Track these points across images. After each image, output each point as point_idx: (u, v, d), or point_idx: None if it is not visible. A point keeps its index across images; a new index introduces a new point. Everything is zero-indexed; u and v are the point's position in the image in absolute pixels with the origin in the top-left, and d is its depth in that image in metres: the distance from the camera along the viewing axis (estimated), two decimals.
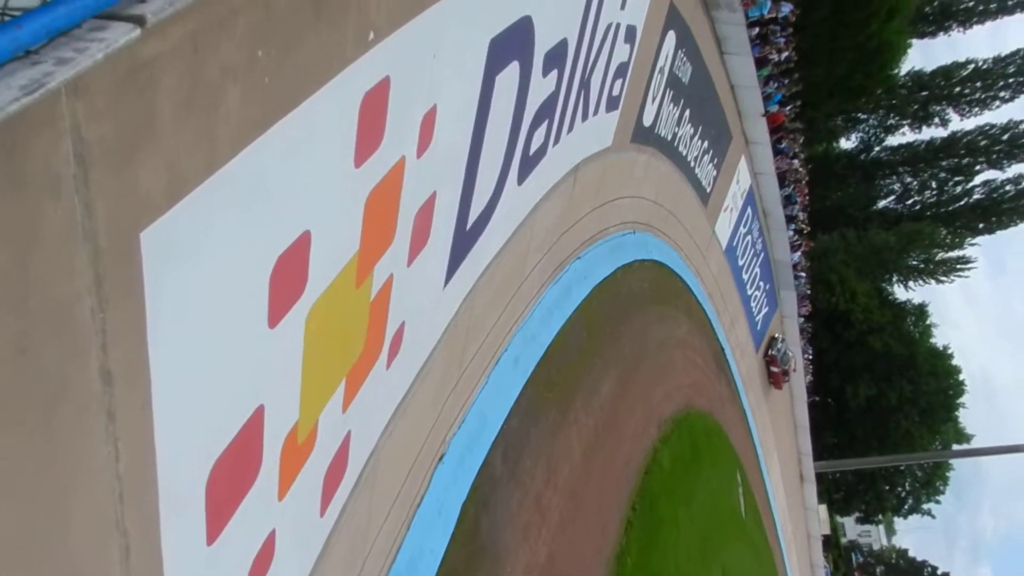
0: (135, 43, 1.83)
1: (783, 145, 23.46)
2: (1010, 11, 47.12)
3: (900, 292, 54.20)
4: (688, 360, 18.44)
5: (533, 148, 7.06)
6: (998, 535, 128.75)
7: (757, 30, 18.04)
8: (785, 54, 20.50)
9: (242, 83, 2.38)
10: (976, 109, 49.34)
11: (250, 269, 2.82)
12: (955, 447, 51.36)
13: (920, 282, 53.46)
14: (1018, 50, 47.61)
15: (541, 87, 6.50)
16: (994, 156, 49.33)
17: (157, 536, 2.74)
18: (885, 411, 48.09)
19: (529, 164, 7.16)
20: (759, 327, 29.31)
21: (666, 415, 15.45)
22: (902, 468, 55.17)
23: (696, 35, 13.57)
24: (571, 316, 10.86)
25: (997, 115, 50.91)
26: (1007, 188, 50.10)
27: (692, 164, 16.82)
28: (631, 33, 9.44)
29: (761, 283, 28.25)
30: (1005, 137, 48.65)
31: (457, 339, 6.87)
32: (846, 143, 55.17)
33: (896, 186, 53.80)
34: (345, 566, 5.38)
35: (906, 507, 59.09)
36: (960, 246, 52.21)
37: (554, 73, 6.75)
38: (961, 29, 48.37)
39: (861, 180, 53.11)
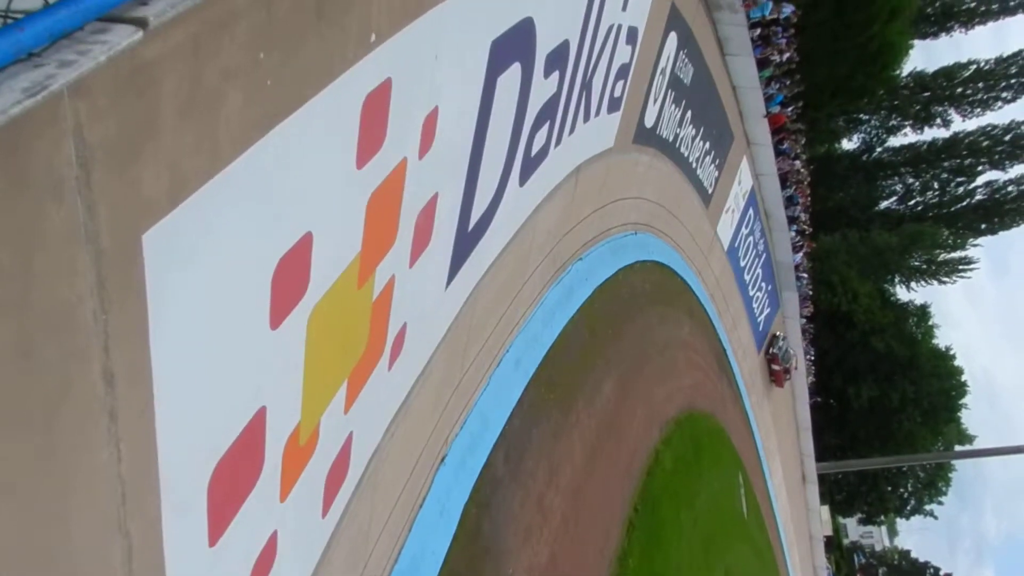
0: (137, 45, 1.83)
1: (785, 146, 23.44)
2: (1012, 11, 47.11)
3: (902, 293, 54.28)
4: (690, 361, 18.43)
5: (535, 149, 7.06)
6: (1001, 536, 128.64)
7: (759, 31, 18.04)
8: (787, 55, 20.51)
9: (244, 85, 2.38)
10: (978, 110, 49.33)
11: (252, 270, 2.82)
12: (957, 448, 51.30)
13: (922, 283, 53.44)
14: (1020, 50, 47.63)
15: (543, 88, 6.50)
16: (996, 157, 49.29)
17: (159, 537, 2.74)
18: (887, 412, 48.03)
19: (531, 165, 7.16)
20: (761, 328, 29.29)
21: (668, 416, 15.44)
22: (904, 469, 55.11)
23: (698, 36, 13.57)
24: (573, 317, 10.87)
25: (999, 116, 51.00)
26: (1009, 189, 50.07)
27: (694, 165, 16.82)
28: (633, 34, 9.44)
29: (763, 284, 28.23)
30: (1007, 138, 48.62)
31: (459, 340, 6.87)
32: (848, 144, 55.21)
33: (898, 187, 53.78)
34: (347, 567, 5.38)
35: (908, 508, 59.03)
36: (962, 247, 52.19)
37: (556, 74, 6.75)
38: (963, 30, 48.37)
39: (863, 181, 53.08)
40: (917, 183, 52.87)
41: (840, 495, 57.56)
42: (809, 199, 29.03)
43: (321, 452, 4.15)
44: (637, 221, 14.24)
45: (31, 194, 1.75)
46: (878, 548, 70.01)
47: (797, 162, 25.37)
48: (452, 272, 5.83)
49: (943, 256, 51.93)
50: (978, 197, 51.20)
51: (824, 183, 46.02)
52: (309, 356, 3.50)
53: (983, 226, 51.47)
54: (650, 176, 13.98)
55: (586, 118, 8.75)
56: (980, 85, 48.58)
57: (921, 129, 51.38)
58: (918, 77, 49.07)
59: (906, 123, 51.42)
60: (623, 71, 9.69)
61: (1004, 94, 48.55)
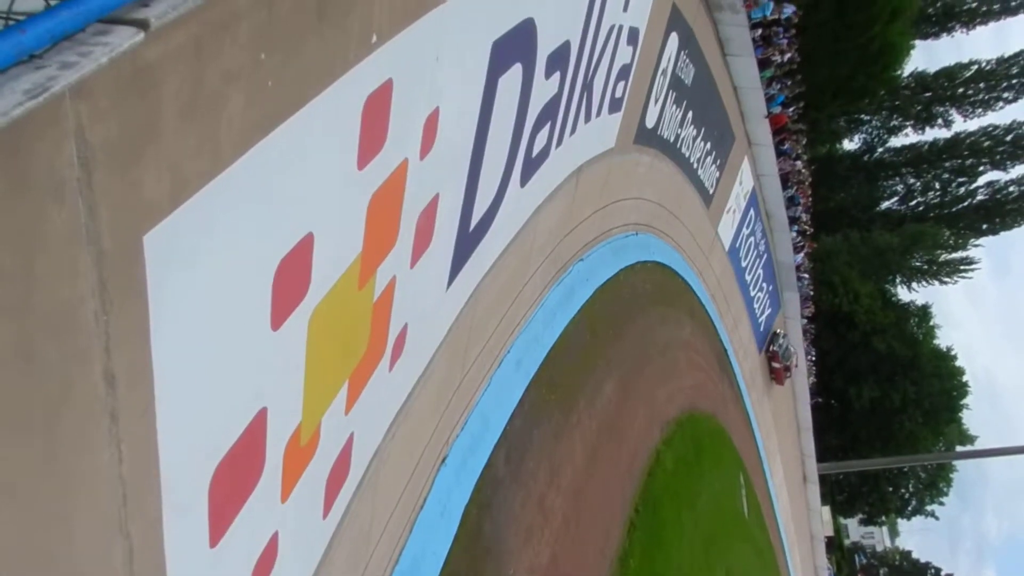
0: (138, 47, 1.83)
1: (786, 146, 23.43)
2: (1013, 12, 47.08)
3: (903, 293, 54.24)
4: (691, 361, 18.43)
5: (536, 150, 7.06)
6: (1002, 536, 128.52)
7: (760, 32, 18.02)
8: (788, 55, 20.50)
9: (245, 86, 2.39)
10: (979, 110, 49.30)
11: (253, 271, 2.82)
12: (959, 448, 51.26)
13: (923, 283, 53.41)
14: (1021, 51, 47.63)
15: (544, 89, 6.50)
16: (997, 157, 49.26)
17: (160, 538, 2.74)
18: (888, 412, 48.01)
19: (532, 166, 7.16)
20: (762, 328, 29.28)
21: (669, 417, 15.43)
22: (905, 469, 55.08)
23: (699, 37, 13.57)
24: (574, 317, 10.86)
25: (1000, 116, 51.03)
26: (1011, 189, 50.04)
27: (695, 166, 16.82)
28: (634, 35, 9.44)
29: (764, 284, 28.22)
30: (1008, 138, 48.59)
31: (460, 341, 6.88)
32: (849, 144, 55.20)
33: (899, 187, 53.75)
34: (348, 568, 5.37)
35: (909, 508, 58.99)
36: (963, 247, 52.16)
37: (557, 75, 6.75)
38: (964, 30, 48.34)
39: (864, 181, 53.06)
40: (918, 183, 52.85)
41: (841, 495, 57.55)
42: (810, 199, 29.02)
43: (322, 453, 4.15)
44: (638, 221, 14.24)
45: (32, 195, 1.76)
46: (879, 549, 69.97)
47: (798, 162, 25.36)
48: (453, 273, 5.83)
49: (944, 256, 51.90)
50: (979, 197, 51.18)
51: (825, 183, 46.01)
52: (310, 357, 3.50)
53: (984, 226, 51.44)
54: (651, 177, 13.98)
55: (587, 119, 8.75)
56: (981, 85, 48.55)
57: (922, 129, 51.37)
58: (919, 77, 49.05)
59: (907, 123, 51.41)
60: (624, 72, 9.69)
61: (1005, 94, 48.52)
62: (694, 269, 19.07)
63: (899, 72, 44.74)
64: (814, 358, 37.58)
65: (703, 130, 16.14)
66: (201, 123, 2.25)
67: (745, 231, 24.06)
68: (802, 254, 29.64)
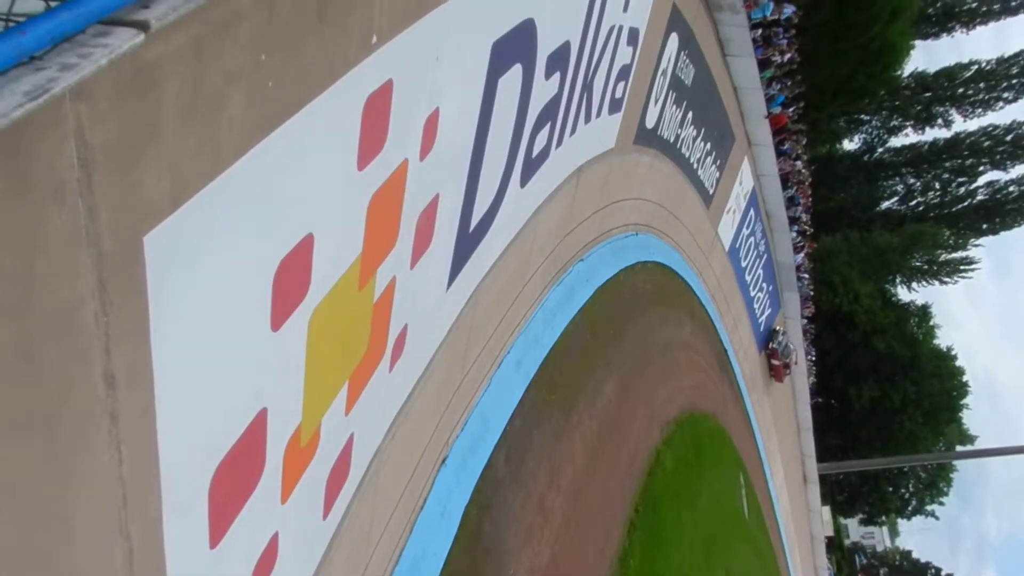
0: (138, 48, 1.83)
1: (786, 147, 23.43)
2: (1013, 12, 47.09)
3: (903, 293, 54.25)
4: (691, 362, 18.43)
5: (536, 150, 7.06)
6: (1002, 536, 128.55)
7: (760, 32, 18.02)
8: (788, 56, 20.50)
9: (245, 87, 2.39)
10: (979, 110, 49.32)
11: (253, 272, 2.82)
12: (959, 448, 51.27)
13: (923, 283, 53.42)
14: (1021, 51, 47.67)
15: (544, 89, 6.51)
16: (997, 157, 49.28)
17: (160, 539, 2.74)
18: (888, 412, 48.01)
19: (532, 166, 7.16)
20: (762, 328, 29.28)
21: (669, 417, 15.43)
22: (905, 469, 55.09)
23: (699, 37, 13.57)
24: (574, 318, 10.86)
25: (1000, 116, 51.02)
26: (1011, 189, 50.06)
27: (695, 166, 16.82)
28: (634, 35, 9.44)
29: (764, 284, 28.21)
30: (1008, 138, 48.60)
31: (460, 341, 6.88)
32: (849, 144, 55.21)
33: (899, 187, 53.77)
34: (348, 569, 5.37)
35: (910, 508, 59.01)
36: (963, 247, 52.17)
37: (557, 75, 6.75)
38: (964, 30, 48.35)
39: (864, 181, 53.07)
40: (918, 183, 52.86)
41: (841, 496, 57.56)
42: (810, 200, 29.02)
43: (322, 454, 4.15)
44: (638, 222, 14.24)
45: (33, 197, 1.76)
46: (879, 549, 70.00)
47: (798, 163, 25.36)
48: (453, 273, 5.83)
49: (944, 256, 51.91)
50: (979, 197, 51.20)
51: (825, 184, 46.01)
52: (310, 358, 3.50)
53: (984, 226, 51.46)
54: (651, 177, 13.98)
55: (587, 119, 8.75)
56: (981, 85, 48.57)
57: (922, 129, 51.38)
58: (919, 77, 49.06)
59: (907, 123, 51.42)
60: (624, 72, 9.69)
61: (1005, 94, 48.54)
62: (694, 269, 19.08)
63: (899, 72, 44.75)
64: (814, 358, 37.57)
65: (703, 130, 16.14)
66: (201, 124, 2.25)
67: (745, 231, 24.06)
68: (802, 254, 29.65)
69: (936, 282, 52.99)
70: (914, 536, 72.11)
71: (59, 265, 1.90)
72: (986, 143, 49.21)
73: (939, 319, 52.74)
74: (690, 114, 14.59)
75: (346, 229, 3.56)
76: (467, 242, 5.89)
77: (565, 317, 10.60)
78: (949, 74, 48.95)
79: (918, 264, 51.95)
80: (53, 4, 1.67)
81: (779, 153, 22.78)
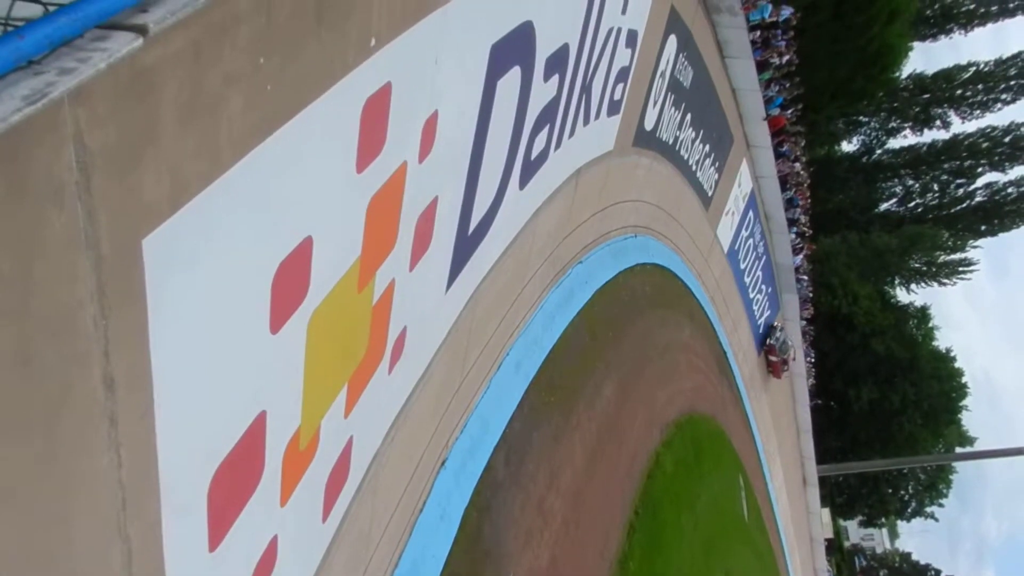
0: (137, 52, 1.83)
1: (784, 148, 23.43)
2: (1011, 13, 47.17)
3: (902, 295, 54.26)
4: (690, 364, 18.43)
5: (535, 153, 7.07)
6: (1001, 537, 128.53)
7: (758, 34, 18.04)
8: (786, 57, 20.50)
9: (244, 90, 2.39)
10: (977, 111, 49.37)
11: (252, 275, 2.82)
12: (958, 450, 51.28)
13: (922, 285, 53.44)
14: (1019, 52, 47.71)
15: (542, 92, 6.51)
16: (996, 158, 49.33)
17: (159, 542, 2.74)
18: (888, 414, 48.01)
19: (531, 169, 7.16)
20: (761, 330, 29.28)
21: (668, 419, 15.43)
22: (905, 471, 55.10)
23: (697, 39, 13.58)
24: (573, 320, 10.86)
25: (999, 117, 50.84)
26: (1009, 190, 50.10)
27: (694, 168, 16.83)
28: (632, 37, 9.45)
29: (763, 286, 28.22)
30: (1007, 139, 48.66)
31: (459, 344, 6.87)
32: (848, 146, 55.25)
33: (898, 189, 53.80)
34: (347, 571, 5.37)
35: (909, 510, 59.01)
36: (962, 248, 52.20)
37: (555, 78, 6.76)
38: (962, 32, 48.45)
39: (863, 183, 53.09)
40: (917, 185, 52.90)
41: (841, 497, 57.53)
42: (809, 201, 29.01)
43: (321, 456, 4.15)
44: (637, 224, 14.25)
45: (31, 200, 1.76)
46: (879, 551, 69.95)
47: (797, 164, 25.36)
48: (452, 276, 5.83)
49: (943, 258, 51.94)
50: (978, 199, 51.24)
51: (824, 185, 46.04)
52: (309, 360, 3.50)
53: (983, 228, 51.50)
54: (650, 179, 13.99)
55: (586, 121, 8.76)
56: (979, 87, 48.64)
57: (921, 131, 51.44)
58: (917, 79, 49.12)
59: (906, 125, 51.48)
60: (623, 74, 9.70)
61: (1003, 96, 48.60)
62: (693, 271, 19.08)
63: (897, 74, 44.80)
64: (813, 360, 37.56)
65: (702, 132, 16.15)
66: (200, 127, 2.25)
67: (744, 233, 24.07)
68: (801, 256, 29.63)
69: (935, 284, 53.03)
70: (914, 538, 72.23)
71: (58, 268, 1.90)
72: (984, 144, 49.27)
73: (938, 320, 52.85)
74: (689, 116, 14.61)
75: (345, 231, 3.57)
76: (466, 244, 5.90)
77: (564, 319, 10.60)
78: (947, 76, 49.02)
79: (917, 266, 51.97)
80: (52, 8, 1.67)
81: (778, 155, 22.79)
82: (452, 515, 7.37)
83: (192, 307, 2.48)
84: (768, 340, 29.67)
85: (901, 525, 66.90)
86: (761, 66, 18.62)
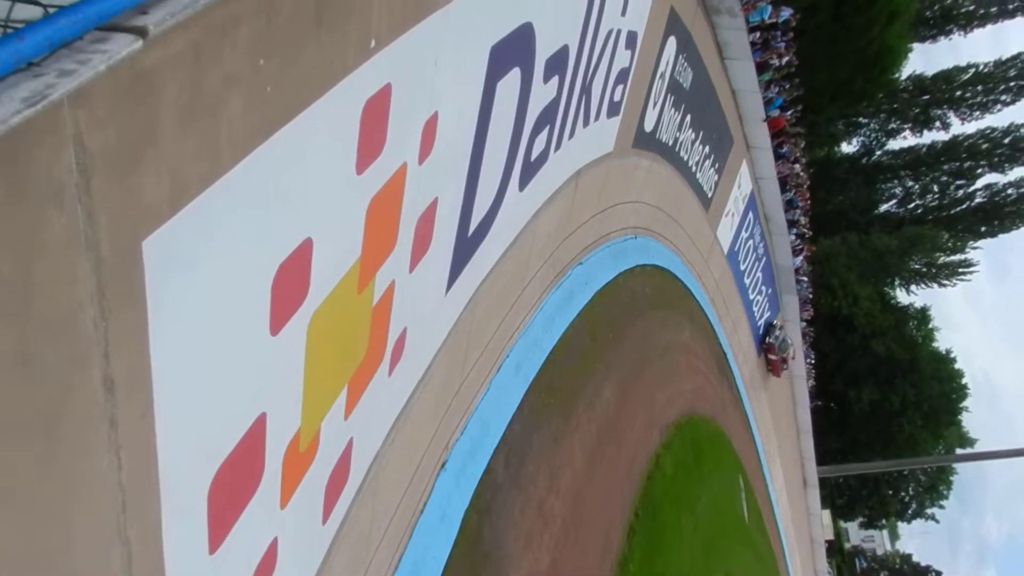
0: (137, 54, 1.83)
1: (784, 149, 23.43)
2: (1011, 15, 47.23)
3: (902, 296, 54.20)
4: (690, 365, 18.42)
5: (534, 154, 7.07)
6: (1002, 538, 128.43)
7: (758, 35, 18.04)
8: (786, 59, 20.50)
9: (244, 91, 2.39)
10: (977, 113, 49.40)
11: (252, 276, 2.82)
12: (958, 451, 51.25)
13: (922, 286, 53.40)
14: (1019, 53, 47.72)
15: (542, 93, 6.51)
16: (996, 159, 49.35)
17: (159, 545, 2.74)
18: (888, 415, 47.98)
19: (530, 170, 7.16)
20: (761, 332, 29.27)
21: (668, 420, 15.42)
22: (905, 472, 55.06)
23: (697, 40, 13.59)
24: (573, 321, 10.86)
25: (998, 118, 50.89)
26: (1009, 191, 50.11)
27: (693, 169, 16.83)
28: (632, 39, 9.46)
29: (763, 287, 28.22)
30: (1006, 140, 48.68)
31: (459, 345, 6.87)
32: (847, 147, 55.26)
33: (898, 190, 53.81)
34: (348, 574, 5.37)
35: (910, 512, 58.95)
36: (962, 250, 52.19)
37: (555, 79, 6.76)
38: (962, 33, 48.50)
39: (863, 184, 53.10)
40: (916, 186, 52.91)
41: (841, 499, 57.48)
42: (809, 202, 29.00)
43: (321, 458, 4.15)
44: (637, 225, 14.25)
45: (31, 202, 1.76)
46: (880, 552, 69.89)
47: (797, 166, 25.36)
48: (452, 277, 5.83)
49: (943, 259, 51.92)
50: (978, 200, 51.25)
51: (824, 186, 46.05)
52: (309, 362, 3.50)
53: (983, 229, 51.50)
54: (650, 180, 13.99)
55: (586, 123, 8.76)
56: (979, 88, 48.66)
57: (920, 132, 51.46)
58: (917, 80, 49.15)
59: (905, 126, 51.50)
60: (622, 75, 9.70)
61: (1003, 97, 48.63)
62: (693, 273, 19.08)
63: (897, 75, 44.82)
64: (813, 361, 37.54)
65: (701, 133, 16.16)
66: (200, 129, 2.25)
67: (744, 234, 24.07)
68: (801, 257, 29.62)
69: (935, 285, 53.00)
70: (914, 539, 72.19)
71: (58, 270, 1.90)
72: (984, 146, 49.29)
73: (938, 322, 52.77)
74: (688, 117, 14.61)
75: (345, 233, 3.57)
76: (466, 246, 5.90)
77: (564, 321, 10.60)
78: (947, 77, 49.06)
79: (917, 267, 51.95)
80: (51, 10, 1.67)
81: (777, 156, 22.79)
82: (452, 517, 7.37)
83: (192, 309, 2.47)
84: (767, 338, 29.65)
85: (902, 527, 66.88)
86: (761, 67, 18.62)
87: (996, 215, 50.52)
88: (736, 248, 23.66)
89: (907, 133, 51.96)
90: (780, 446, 31.28)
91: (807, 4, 26.16)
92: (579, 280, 11.30)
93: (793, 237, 27.83)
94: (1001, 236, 51.85)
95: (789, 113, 22.85)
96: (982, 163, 49.81)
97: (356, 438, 4.70)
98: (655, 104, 12.18)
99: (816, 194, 34.26)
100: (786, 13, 19.24)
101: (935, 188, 52.33)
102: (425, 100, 4.00)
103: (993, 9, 47.27)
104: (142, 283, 2.20)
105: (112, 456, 2.31)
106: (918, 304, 53.12)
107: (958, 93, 48.97)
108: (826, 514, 44.72)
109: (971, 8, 47.70)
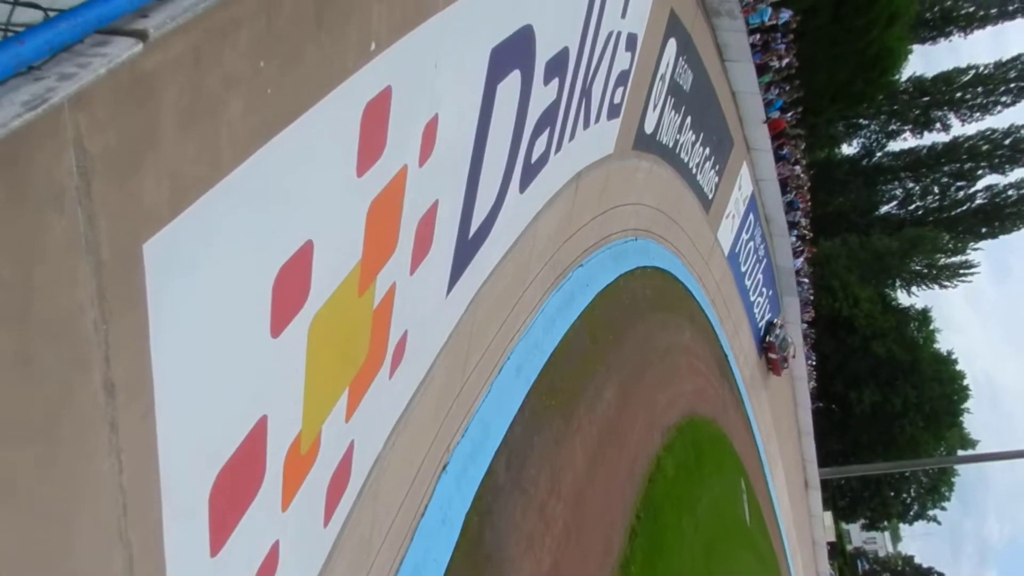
0: (137, 57, 1.84)
1: (785, 151, 23.44)
2: (1011, 16, 47.28)
3: (903, 297, 54.19)
4: (691, 367, 18.41)
5: (535, 156, 7.07)
6: (1004, 539, 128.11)
7: (758, 37, 18.05)
8: (786, 60, 20.51)
9: (244, 94, 2.39)
10: (978, 114, 49.46)
11: (253, 279, 2.82)
12: (960, 453, 51.19)
13: (923, 287, 53.42)
14: (1019, 55, 47.80)
15: (542, 95, 6.52)
16: (996, 161, 49.38)
17: (160, 547, 2.74)
18: (889, 417, 47.95)
19: (531, 172, 7.16)
20: (762, 333, 29.27)
21: (670, 422, 15.41)
22: (907, 474, 55.01)
23: (697, 42, 13.60)
24: (574, 323, 10.86)
25: (999, 120, 51.13)
26: (1009, 193, 50.13)
27: (694, 171, 16.84)
28: (632, 41, 9.46)
29: (764, 289, 28.22)
30: (1007, 142, 48.72)
31: (460, 348, 6.87)
32: (848, 149, 55.33)
33: (898, 191, 53.84)
34: None
35: (911, 513, 58.88)
36: (963, 251, 52.19)
37: (555, 81, 6.77)
38: (962, 34, 48.56)
39: (863, 186, 53.13)
40: (917, 188, 52.94)
41: (843, 501, 57.42)
42: (809, 204, 29.01)
43: (322, 461, 4.15)
44: (637, 227, 14.25)
45: (32, 205, 1.76)
46: (881, 554, 69.78)
47: (797, 167, 25.36)
48: (453, 279, 5.83)
49: (944, 260, 51.93)
50: (978, 201, 51.28)
51: (824, 188, 46.08)
52: (310, 364, 3.50)
53: (983, 230, 51.51)
54: (650, 182, 13.99)
55: (586, 125, 8.76)
56: (979, 89, 48.72)
57: (921, 134, 51.52)
58: (917, 82, 49.21)
59: (906, 128, 51.56)
60: (623, 77, 9.71)
61: (1003, 98, 48.69)
62: (694, 274, 19.08)
63: (897, 77, 44.83)
64: (814, 363, 37.53)
65: (702, 135, 16.17)
66: (200, 132, 2.25)
67: (744, 236, 24.08)
68: (801, 259, 29.63)
69: (936, 286, 53.00)
70: (916, 541, 72.07)
71: (58, 273, 1.90)
72: (984, 147, 49.32)
73: (939, 323, 52.77)
74: (689, 119, 14.62)
75: (346, 235, 3.57)
76: (466, 248, 5.90)
77: (565, 323, 10.60)
78: (947, 78, 49.12)
79: (917, 268, 51.96)
80: (52, 14, 1.67)
81: (778, 158, 22.80)
82: (454, 520, 7.36)
83: (193, 311, 2.47)
84: (767, 337, 29.63)
85: (903, 528, 66.73)
86: (761, 69, 18.63)
87: (997, 216, 50.54)
88: (737, 250, 23.67)
89: (907, 135, 52.06)
90: (781, 448, 31.26)
91: (807, 6, 26.19)
92: (580, 282, 11.30)
93: (794, 239, 27.84)
94: (1002, 237, 51.93)
95: (789, 115, 22.86)
96: (982, 164, 49.84)
97: (357, 441, 4.70)
98: (655, 106, 12.19)
99: (817, 196, 34.27)
100: (786, 15, 19.25)
101: (935, 189, 52.36)
102: (425, 102, 4.00)
103: (993, 11, 47.32)
104: (143, 286, 2.20)
105: (113, 458, 2.31)
106: (919, 305, 53.17)
107: (958, 94, 49.03)
108: (828, 516, 44.63)
109: (971, 10, 47.76)
